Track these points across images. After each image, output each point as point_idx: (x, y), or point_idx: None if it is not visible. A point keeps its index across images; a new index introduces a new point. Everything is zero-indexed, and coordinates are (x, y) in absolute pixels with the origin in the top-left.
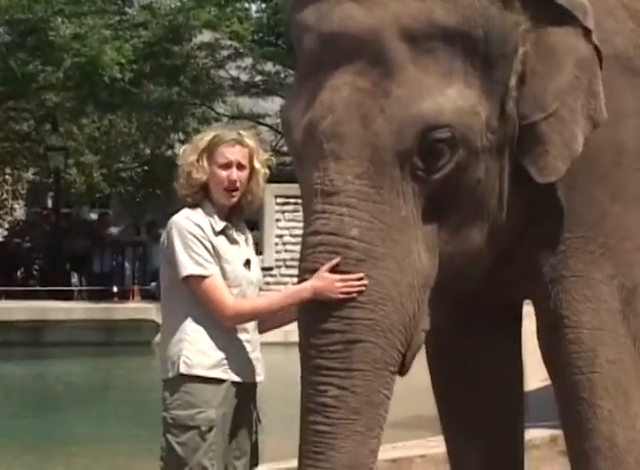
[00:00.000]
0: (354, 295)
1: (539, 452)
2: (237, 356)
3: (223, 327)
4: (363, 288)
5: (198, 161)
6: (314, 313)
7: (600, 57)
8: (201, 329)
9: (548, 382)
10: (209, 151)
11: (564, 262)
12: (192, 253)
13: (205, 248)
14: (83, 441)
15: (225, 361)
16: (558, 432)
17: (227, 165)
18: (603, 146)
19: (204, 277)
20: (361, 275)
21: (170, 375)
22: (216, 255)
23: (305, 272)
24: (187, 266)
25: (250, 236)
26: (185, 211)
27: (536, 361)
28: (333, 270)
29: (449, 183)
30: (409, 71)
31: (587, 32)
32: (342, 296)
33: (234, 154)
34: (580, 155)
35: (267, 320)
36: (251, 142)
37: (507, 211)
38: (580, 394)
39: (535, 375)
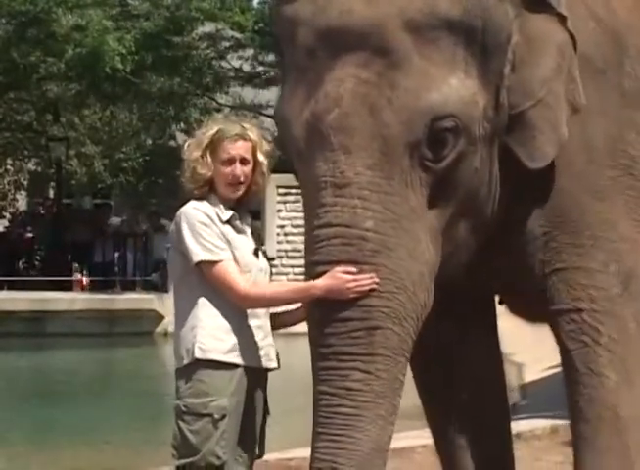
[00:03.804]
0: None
1: (540, 443)
2: (249, 342)
3: (236, 312)
4: (375, 286)
5: (202, 156)
6: (330, 304)
7: (575, 43)
8: (214, 315)
9: (548, 373)
10: (213, 146)
11: (556, 257)
12: (201, 240)
13: (216, 234)
14: (85, 431)
15: (239, 347)
16: (559, 422)
17: (230, 161)
18: (575, 145)
19: (215, 262)
20: (373, 274)
21: (185, 362)
22: (226, 241)
23: (319, 265)
24: (198, 253)
25: (249, 230)
26: (192, 203)
27: (535, 354)
28: (344, 263)
29: (450, 173)
30: (414, 62)
31: (562, 19)
32: (353, 295)
33: (236, 149)
34: (557, 154)
35: (285, 319)
36: (253, 135)
37: (492, 202)
38: (587, 364)
39: (535, 367)
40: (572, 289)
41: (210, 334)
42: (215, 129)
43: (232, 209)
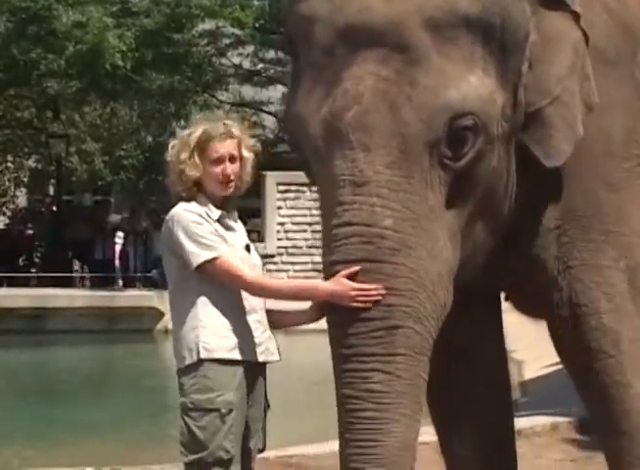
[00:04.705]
0: (389, 284)
1: (540, 440)
2: (250, 337)
3: (235, 309)
4: (380, 297)
5: (190, 158)
6: (350, 304)
7: (587, 41)
8: (213, 314)
9: (548, 371)
10: (200, 147)
11: (569, 253)
12: (198, 238)
13: (210, 231)
14: (85, 428)
15: (241, 343)
16: (559, 419)
17: (220, 160)
18: (592, 137)
19: (217, 258)
20: (379, 286)
21: (188, 362)
22: (220, 238)
23: (337, 264)
24: (198, 254)
25: (241, 224)
26: (181, 205)
27: (535, 351)
28: (362, 262)
29: (468, 172)
30: (433, 60)
31: (576, 17)
32: (355, 304)
33: (225, 148)
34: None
35: (282, 318)
36: (237, 132)
37: (509, 201)
38: (613, 376)
39: (535, 364)
40: (589, 289)
41: (214, 333)
42: (201, 130)
43: (220, 207)
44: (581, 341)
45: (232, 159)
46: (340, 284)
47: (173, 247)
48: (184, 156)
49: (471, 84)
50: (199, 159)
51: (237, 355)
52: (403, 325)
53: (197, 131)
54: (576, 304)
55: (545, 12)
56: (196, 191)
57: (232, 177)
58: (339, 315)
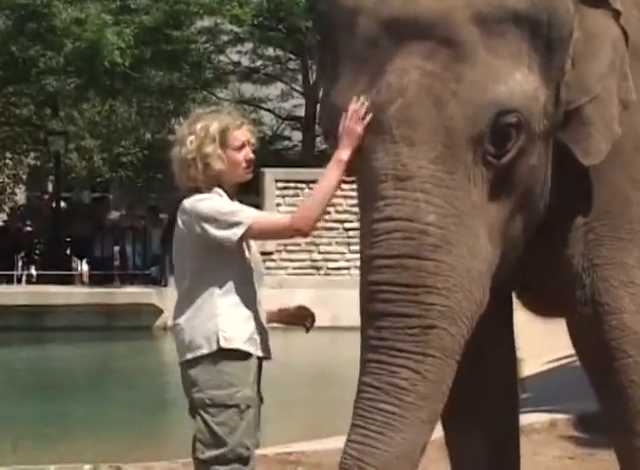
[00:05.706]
0: (430, 282)
1: (539, 437)
2: (261, 331)
3: (251, 301)
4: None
5: (214, 150)
6: (388, 298)
7: (627, 39)
8: (233, 303)
9: (547, 367)
10: (222, 139)
11: (595, 251)
12: (234, 209)
13: (232, 203)
14: (83, 425)
15: (253, 336)
16: (558, 416)
17: (242, 146)
18: (623, 135)
19: (249, 228)
20: (363, 102)
21: (205, 351)
22: None
23: (378, 259)
24: (241, 222)
25: None
26: (198, 196)
27: (535, 348)
28: (404, 258)
29: (509, 169)
30: (481, 55)
31: (617, 14)
32: (358, 129)
33: (244, 134)
34: None
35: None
36: (242, 118)
37: (544, 200)
38: (630, 377)
39: (534, 361)
40: (613, 287)
41: (231, 322)
42: (217, 122)
43: (231, 199)
44: (601, 339)
45: (249, 143)
46: (342, 129)
47: (199, 233)
48: (209, 149)
49: (517, 81)
50: (221, 150)
51: (249, 348)
52: (438, 325)
53: (213, 124)
54: (599, 302)
55: (587, 9)
56: (216, 185)
57: (253, 160)
58: (376, 307)
